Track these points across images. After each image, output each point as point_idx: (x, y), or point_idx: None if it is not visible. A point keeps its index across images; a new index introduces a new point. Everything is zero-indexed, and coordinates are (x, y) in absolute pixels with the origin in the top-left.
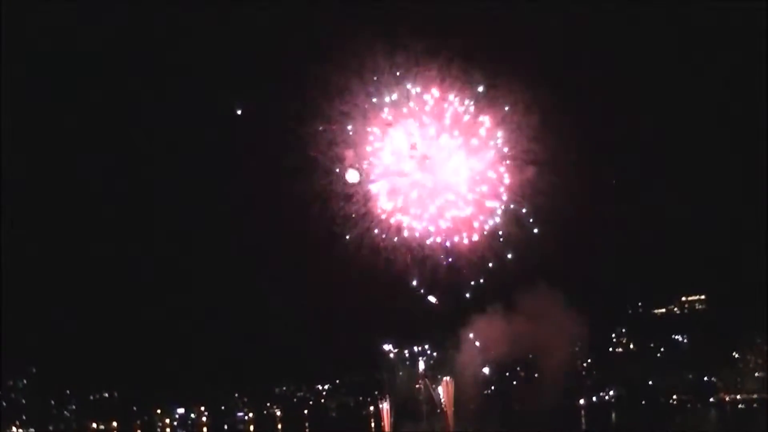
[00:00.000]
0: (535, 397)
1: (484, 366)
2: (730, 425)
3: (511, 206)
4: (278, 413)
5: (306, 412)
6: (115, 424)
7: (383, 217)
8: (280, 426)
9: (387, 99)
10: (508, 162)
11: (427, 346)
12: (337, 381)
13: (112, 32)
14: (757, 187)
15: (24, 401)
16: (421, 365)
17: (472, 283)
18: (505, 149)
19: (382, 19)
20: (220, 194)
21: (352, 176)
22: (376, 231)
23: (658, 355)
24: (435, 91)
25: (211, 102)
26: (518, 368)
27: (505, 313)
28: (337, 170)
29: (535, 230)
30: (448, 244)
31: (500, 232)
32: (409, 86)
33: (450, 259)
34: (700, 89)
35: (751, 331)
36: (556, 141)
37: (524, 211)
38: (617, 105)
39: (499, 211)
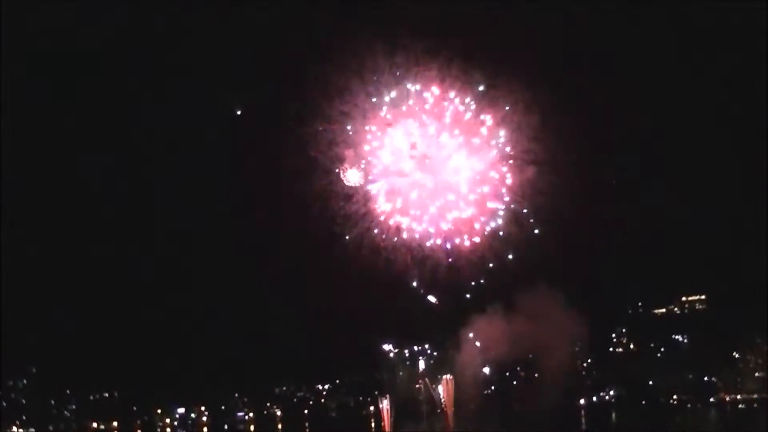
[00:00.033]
0: (536, 397)
1: (485, 366)
2: (730, 425)
3: (512, 206)
4: (278, 413)
5: (306, 412)
6: (115, 423)
7: (382, 218)
8: (280, 426)
9: (387, 98)
10: (511, 162)
11: (427, 346)
12: (337, 381)
13: (112, 32)
14: (757, 187)
15: (24, 401)
16: (422, 365)
17: (473, 283)
18: (507, 149)
19: (382, 19)
20: (220, 194)
21: (353, 176)
22: (375, 231)
23: (659, 355)
24: (435, 89)
25: (211, 102)
26: (518, 368)
27: (506, 313)
28: (337, 170)
29: (536, 231)
30: (448, 245)
31: (501, 233)
32: (409, 86)
33: (450, 259)
34: (700, 89)
35: (751, 331)
36: (556, 141)
37: (525, 211)
38: (617, 105)
39: (501, 213)
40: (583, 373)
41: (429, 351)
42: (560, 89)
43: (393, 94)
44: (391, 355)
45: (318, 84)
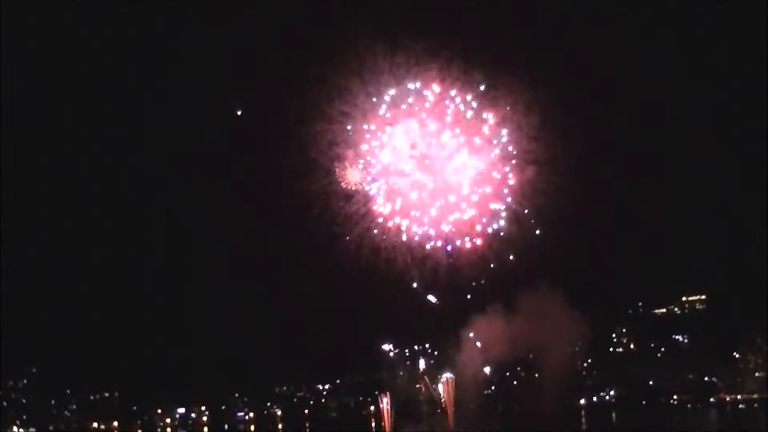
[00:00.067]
0: (536, 397)
1: (485, 366)
2: (730, 425)
3: (513, 207)
4: (278, 413)
5: (306, 412)
6: (115, 423)
7: (380, 220)
8: (280, 426)
9: (386, 98)
10: (514, 162)
11: (427, 346)
12: (338, 381)
13: (112, 32)
14: (757, 187)
15: (24, 401)
16: (422, 365)
17: (473, 283)
18: (509, 148)
19: (382, 19)
20: (220, 194)
21: (352, 176)
22: (375, 231)
23: (659, 355)
24: (436, 87)
25: (211, 102)
26: (518, 368)
27: (506, 312)
28: (335, 170)
29: (537, 232)
30: (449, 248)
31: (501, 233)
32: (409, 85)
33: (450, 259)
34: (700, 89)
35: (751, 331)
36: (556, 141)
37: (526, 212)
38: (617, 105)
39: (504, 214)
40: (584, 373)
41: (429, 351)
42: (560, 89)
43: (392, 92)
44: (391, 355)
45: (318, 84)
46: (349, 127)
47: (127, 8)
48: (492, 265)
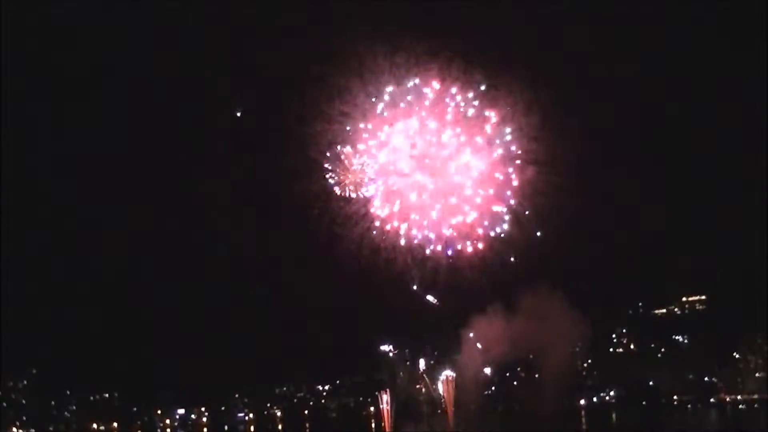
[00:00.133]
0: (536, 397)
1: (485, 366)
2: (730, 425)
3: (514, 208)
4: (278, 414)
5: (306, 412)
6: (115, 424)
7: (377, 224)
8: (280, 427)
9: (386, 97)
10: (518, 162)
11: (427, 346)
12: (338, 381)
13: (112, 32)
14: (757, 187)
15: (24, 402)
16: (422, 365)
17: (473, 283)
18: (512, 148)
19: (382, 19)
20: (220, 194)
21: (349, 179)
22: (374, 232)
23: (659, 355)
24: (435, 84)
25: (211, 102)
26: (519, 368)
27: (506, 313)
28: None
29: (538, 233)
30: (450, 252)
31: (502, 234)
32: (408, 82)
33: (451, 260)
34: (700, 88)
35: (751, 331)
36: (556, 141)
37: (527, 213)
38: (617, 105)
39: (507, 217)
40: (584, 373)
41: (429, 351)
42: (560, 89)
43: (390, 88)
44: (391, 355)
45: (318, 84)
46: (348, 128)
47: (127, 8)
48: (493, 266)
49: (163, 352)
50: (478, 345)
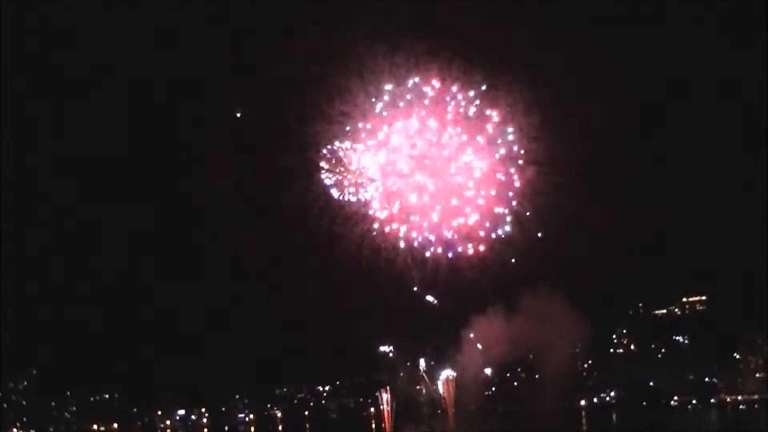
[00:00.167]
0: (536, 398)
1: (486, 367)
2: (730, 426)
3: (515, 208)
4: (279, 414)
5: (306, 413)
6: (115, 425)
7: (376, 226)
8: (280, 427)
9: (385, 97)
10: (521, 162)
11: (427, 347)
12: (338, 382)
13: (112, 32)
14: (757, 187)
15: (24, 403)
16: (422, 366)
17: (473, 284)
18: (514, 148)
19: (382, 19)
20: (220, 194)
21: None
22: (374, 233)
23: (659, 356)
24: (435, 83)
25: (211, 102)
26: (519, 369)
27: (506, 313)
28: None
29: (540, 234)
30: (450, 255)
31: (503, 236)
32: (408, 80)
33: (451, 258)
34: (700, 88)
35: (752, 332)
36: (556, 141)
37: (528, 214)
38: (617, 105)
39: (509, 219)
40: (584, 374)
41: (430, 352)
42: (560, 89)
43: (388, 87)
44: (391, 356)
45: (318, 84)
46: (348, 128)
47: (127, 8)
48: (493, 267)
49: (163, 353)
50: (479, 345)
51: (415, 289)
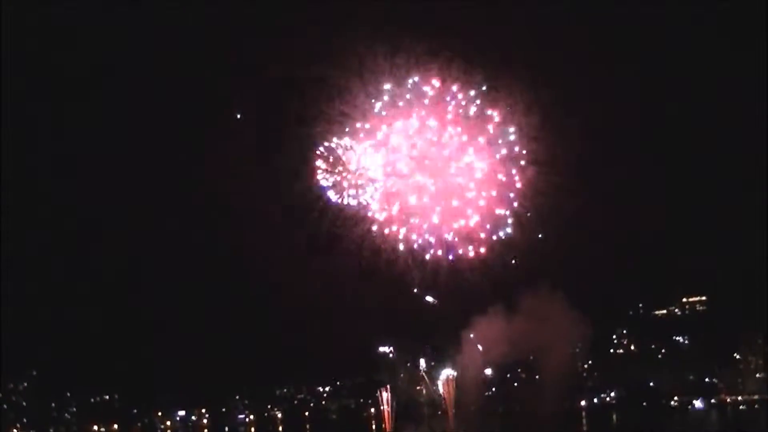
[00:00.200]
0: (537, 398)
1: (486, 367)
2: (730, 426)
3: (515, 209)
4: (279, 415)
5: (307, 414)
6: (115, 426)
7: (375, 227)
8: (280, 428)
9: (385, 97)
10: (522, 162)
11: (428, 347)
12: (338, 383)
13: (112, 32)
14: (757, 187)
15: (24, 404)
16: (422, 366)
17: (474, 284)
18: (515, 148)
19: (382, 20)
20: (220, 194)
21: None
22: (374, 234)
23: (659, 356)
24: (435, 82)
25: (211, 102)
26: (519, 369)
27: (506, 314)
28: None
29: (540, 235)
30: (451, 257)
31: (503, 237)
32: (408, 80)
33: (451, 258)
34: (700, 88)
35: (752, 332)
36: (556, 141)
37: (528, 214)
38: (617, 105)
39: (511, 220)
40: (584, 374)
41: (430, 352)
42: (560, 89)
43: (388, 86)
44: (392, 356)
45: (318, 84)
46: (347, 128)
47: (127, 8)
48: (493, 268)
49: (163, 353)
50: (479, 346)
51: (415, 290)
